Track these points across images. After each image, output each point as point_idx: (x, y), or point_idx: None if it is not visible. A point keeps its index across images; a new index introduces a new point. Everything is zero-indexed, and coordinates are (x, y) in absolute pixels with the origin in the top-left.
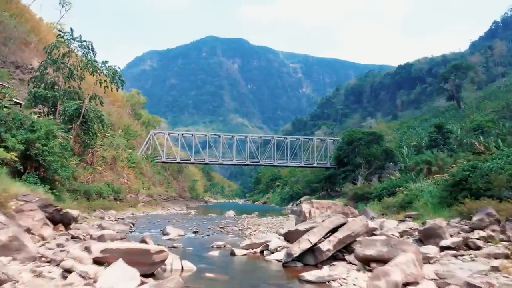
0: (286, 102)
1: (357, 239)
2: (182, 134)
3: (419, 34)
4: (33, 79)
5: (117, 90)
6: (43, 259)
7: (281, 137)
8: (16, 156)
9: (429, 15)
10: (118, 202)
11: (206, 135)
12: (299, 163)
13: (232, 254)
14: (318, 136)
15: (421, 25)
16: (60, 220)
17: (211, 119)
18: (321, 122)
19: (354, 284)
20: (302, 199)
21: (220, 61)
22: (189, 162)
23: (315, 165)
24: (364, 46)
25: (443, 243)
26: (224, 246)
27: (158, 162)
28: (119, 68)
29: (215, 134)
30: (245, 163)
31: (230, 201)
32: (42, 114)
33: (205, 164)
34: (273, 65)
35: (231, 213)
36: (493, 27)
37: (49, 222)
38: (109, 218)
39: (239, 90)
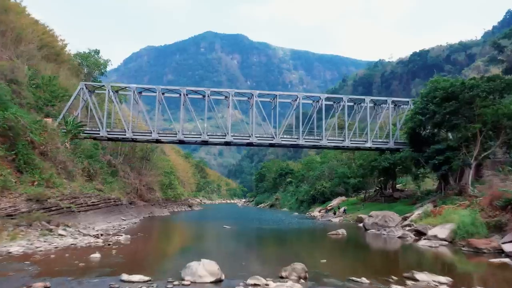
0: None
1: None
2: (141, 93)
3: (418, 32)
4: None
5: None
6: None
7: (309, 97)
8: None
9: (428, 12)
10: None
11: (180, 94)
12: (341, 142)
13: None
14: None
15: (419, 23)
16: None
17: (210, 116)
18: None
19: None
20: (334, 202)
21: (219, 56)
22: (149, 138)
23: (368, 145)
24: (362, 44)
25: None
26: None
27: (93, 138)
28: None
29: (194, 90)
30: (246, 140)
31: (227, 202)
32: None
33: (179, 143)
34: (273, 61)
35: (204, 269)
36: (507, 17)
37: None
38: None
39: (238, 86)
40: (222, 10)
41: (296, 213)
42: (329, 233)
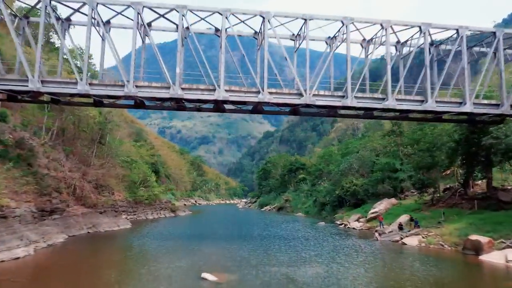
0: None
1: None
2: (70, 23)
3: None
4: None
5: None
6: None
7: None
8: None
9: (427, 12)
10: None
11: (134, 19)
12: (418, 103)
13: None
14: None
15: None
16: None
17: (210, 114)
18: None
19: None
20: (379, 206)
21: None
22: (74, 93)
23: (467, 108)
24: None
25: None
26: None
27: None
28: None
29: (158, 11)
30: (252, 99)
31: (226, 202)
32: None
33: (135, 106)
34: (273, 58)
35: None
36: None
37: None
38: None
39: (239, 83)
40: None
41: (322, 223)
42: None
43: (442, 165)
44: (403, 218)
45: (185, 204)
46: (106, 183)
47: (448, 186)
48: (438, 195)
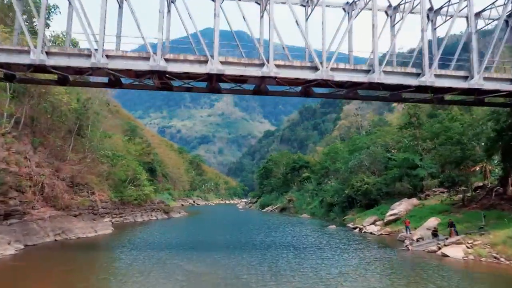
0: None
1: None
2: None
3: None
4: None
5: None
6: None
7: None
8: None
9: None
10: None
11: None
12: (471, 81)
13: None
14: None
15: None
16: None
17: (210, 113)
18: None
19: None
20: (398, 207)
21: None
22: (25, 63)
23: None
24: (363, 42)
25: None
26: None
27: None
28: None
29: None
30: (254, 72)
31: (226, 202)
32: None
33: (109, 85)
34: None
35: None
36: None
37: None
38: None
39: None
40: (223, 7)
41: (333, 226)
42: None
43: (475, 159)
44: (433, 222)
45: (182, 205)
46: (84, 181)
47: (480, 184)
48: (469, 194)
